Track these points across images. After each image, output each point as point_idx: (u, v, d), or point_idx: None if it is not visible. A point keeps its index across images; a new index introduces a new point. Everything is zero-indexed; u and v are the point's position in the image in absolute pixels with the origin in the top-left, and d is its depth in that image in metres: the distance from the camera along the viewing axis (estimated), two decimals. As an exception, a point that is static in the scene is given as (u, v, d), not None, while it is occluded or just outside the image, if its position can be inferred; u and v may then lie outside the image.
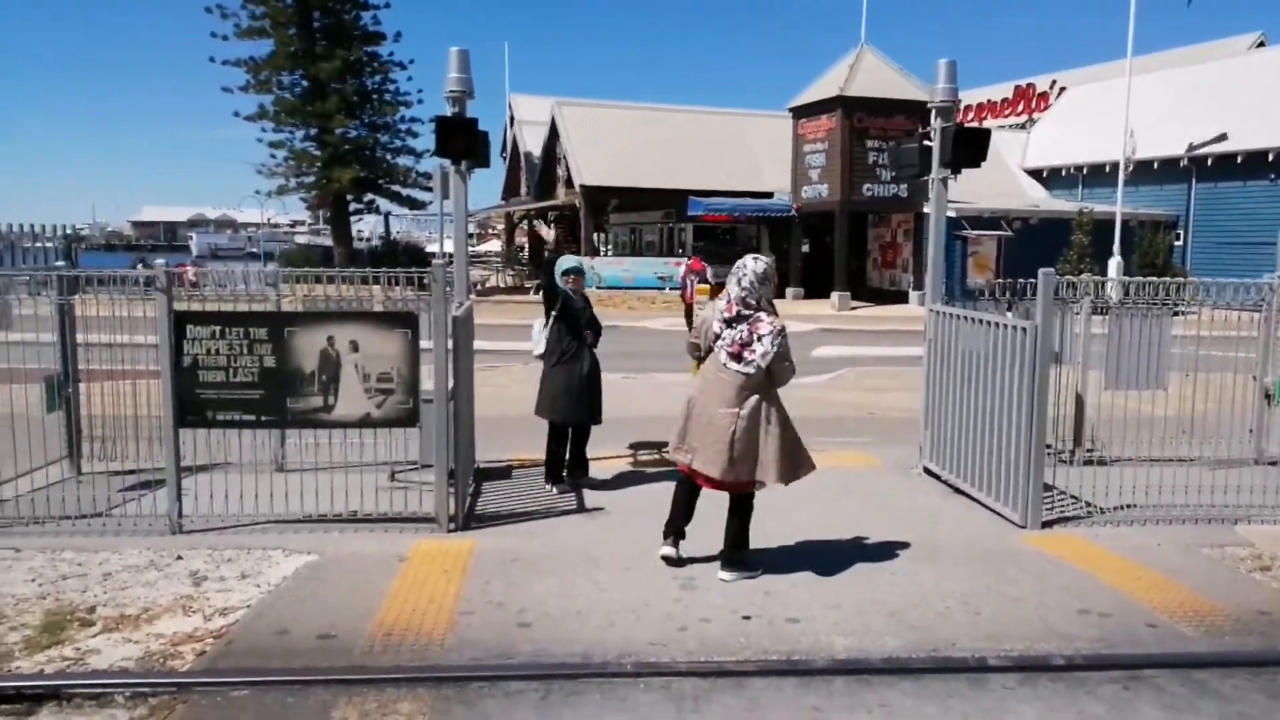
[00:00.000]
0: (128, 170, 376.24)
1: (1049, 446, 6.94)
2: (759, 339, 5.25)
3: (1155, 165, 31.79)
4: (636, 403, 11.27)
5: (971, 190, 27.15)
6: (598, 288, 28.72)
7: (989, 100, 45.07)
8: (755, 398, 5.27)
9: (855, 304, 29.50)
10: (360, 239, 45.71)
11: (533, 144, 41.59)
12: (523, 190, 43.83)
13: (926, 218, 29.08)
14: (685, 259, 33.30)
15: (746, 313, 5.29)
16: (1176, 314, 7.38)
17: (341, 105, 33.85)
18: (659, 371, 14.50)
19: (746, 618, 4.96)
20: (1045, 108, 41.88)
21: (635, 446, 8.86)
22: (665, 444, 9.16)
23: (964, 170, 7.92)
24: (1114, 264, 27.18)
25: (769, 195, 33.08)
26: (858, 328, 23.67)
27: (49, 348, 7.12)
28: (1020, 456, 6.52)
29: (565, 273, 7.32)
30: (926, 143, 8.12)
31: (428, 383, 6.27)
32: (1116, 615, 5.10)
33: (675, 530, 5.69)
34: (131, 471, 7.26)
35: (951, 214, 19.28)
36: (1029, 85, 43.44)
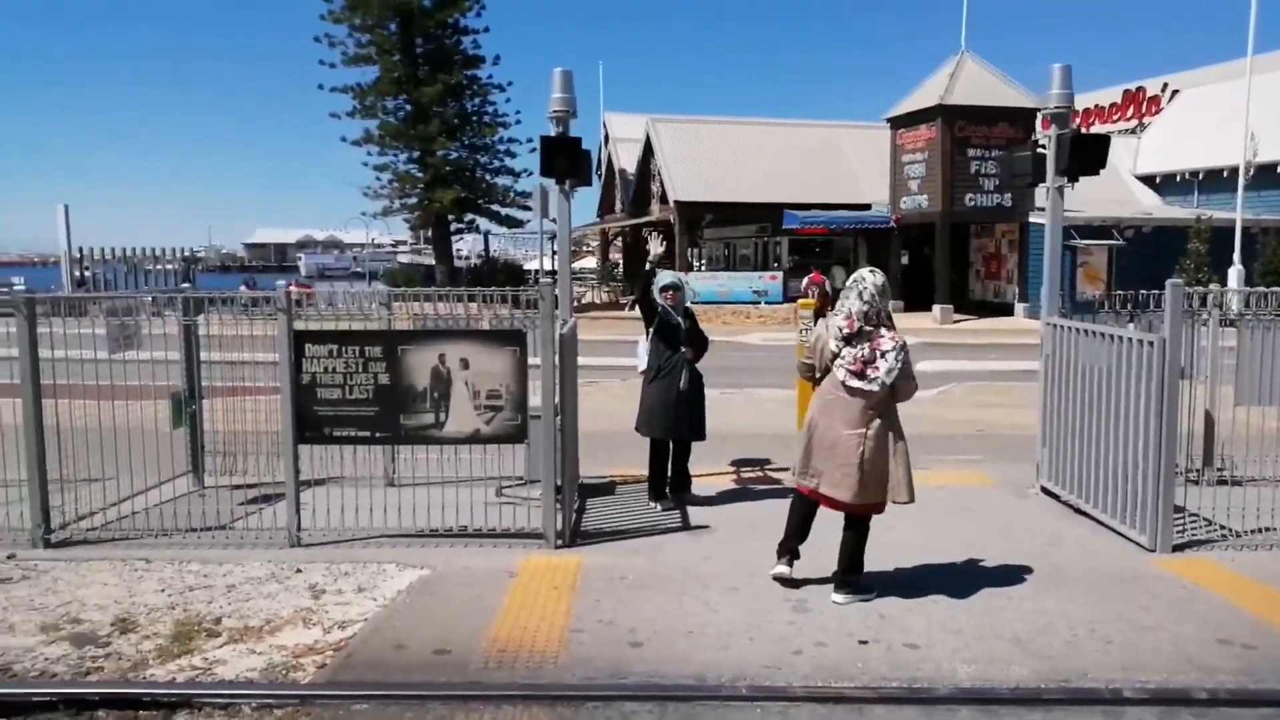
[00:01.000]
0: (242, 192, 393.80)
1: (1177, 466, 6.60)
2: (882, 355, 5.12)
3: (1279, 169, 30.19)
4: (735, 418, 11.18)
5: (1080, 198, 26.14)
6: (691, 302, 28.67)
7: (1096, 105, 43.47)
8: (880, 417, 5.15)
9: (958, 317, 28.81)
10: (459, 257, 46.75)
11: (627, 161, 41.95)
12: (617, 207, 44.22)
13: (1032, 227, 28.52)
14: (780, 272, 33.19)
15: (868, 329, 5.16)
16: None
17: (443, 128, 34.73)
18: (755, 387, 14.39)
19: (863, 642, 4.82)
20: (1156, 111, 40.19)
21: (737, 464, 8.77)
22: (767, 460, 9.15)
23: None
24: (1235, 273, 25.92)
25: (866, 207, 32.64)
26: (961, 341, 23.07)
27: (174, 366, 7.45)
28: (1148, 476, 6.21)
29: (663, 289, 7.30)
30: (1040, 150, 7.86)
31: (534, 399, 6.32)
32: (1262, 647, 4.79)
33: (790, 550, 5.57)
34: (251, 485, 7.51)
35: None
36: (1139, 89, 41.74)
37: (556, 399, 6.40)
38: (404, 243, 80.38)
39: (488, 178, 37.36)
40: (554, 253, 18.90)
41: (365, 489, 6.84)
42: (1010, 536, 6.64)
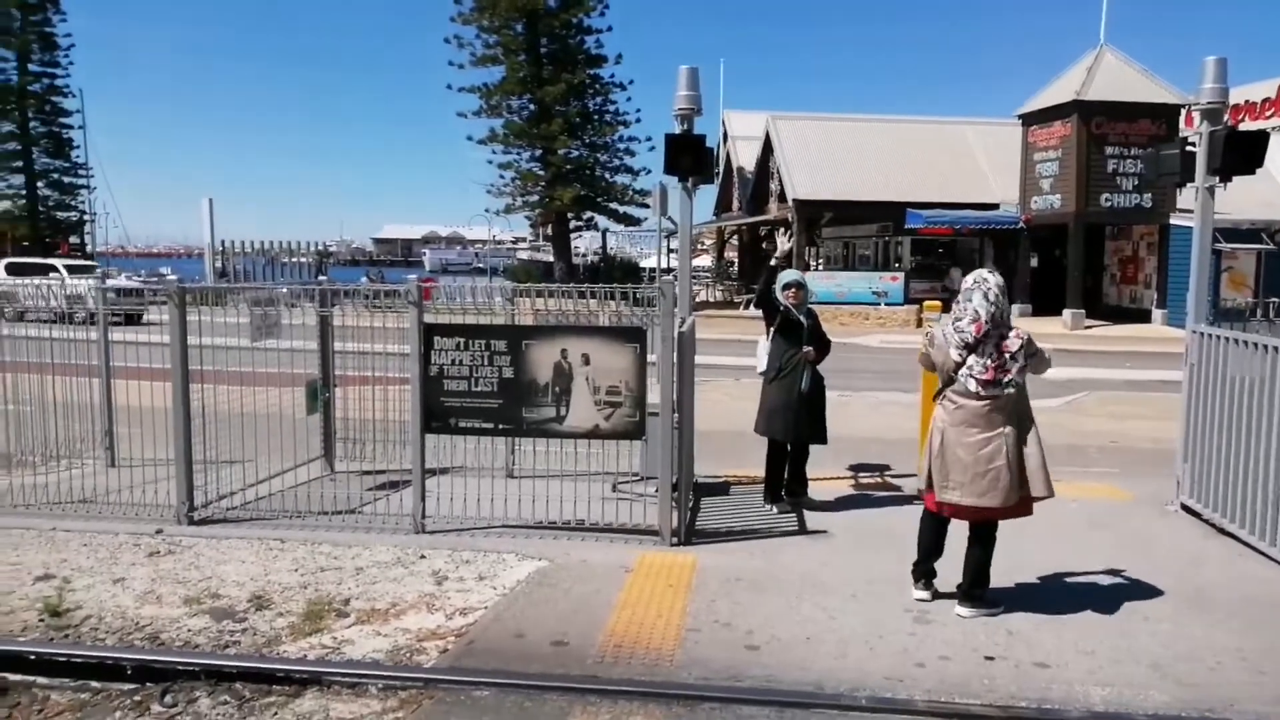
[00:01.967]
0: (374, 186, 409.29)
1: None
2: (1012, 358, 4.94)
3: None
4: (853, 422, 10.95)
5: (1225, 199, 24.59)
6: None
7: (1246, 101, 40.76)
8: (1012, 421, 4.97)
9: (1090, 323, 27.52)
10: (577, 254, 47.44)
11: (745, 159, 41.64)
12: (734, 205, 43.97)
13: (1173, 230, 27.02)
14: (901, 273, 32.40)
15: (995, 331, 4.98)
16: None
17: (565, 127, 35.31)
18: (873, 390, 14.07)
19: (989, 658, 4.65)
20: (1315, 107, 37.55)
21: (856, 468, 8.60)
22: (886, 467, 8.94)
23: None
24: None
25: (994, 207, 31.52)
26: (1094, 348, 22.05)
27: (310, 355, 7.78)
28: (1305, 498, 5.80)
29: (786, 286, 7.20)
30: (1189, 148, 7.44)
31: (653, 396, 6.34)
32: None
33: (926, 572, 5.41)
34: (379, 472, 7.78)
35: (1206, 226, 17.57)
36: (1295, 82, 39.09)
37: (674, 396, 6.40)
38: (523, 239, 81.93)
39: (607, 176, 37.81)
40: (671, 250, 18.88)
41: (486, 479, 6.98)
42: (1148, 555, 6.31)
